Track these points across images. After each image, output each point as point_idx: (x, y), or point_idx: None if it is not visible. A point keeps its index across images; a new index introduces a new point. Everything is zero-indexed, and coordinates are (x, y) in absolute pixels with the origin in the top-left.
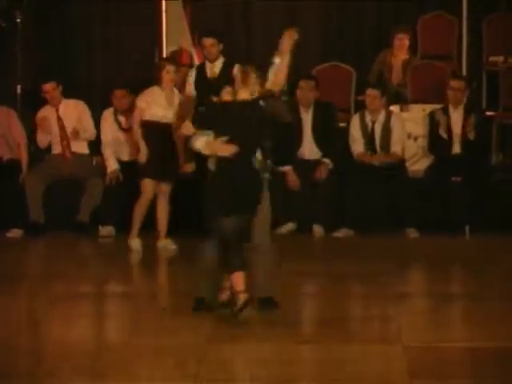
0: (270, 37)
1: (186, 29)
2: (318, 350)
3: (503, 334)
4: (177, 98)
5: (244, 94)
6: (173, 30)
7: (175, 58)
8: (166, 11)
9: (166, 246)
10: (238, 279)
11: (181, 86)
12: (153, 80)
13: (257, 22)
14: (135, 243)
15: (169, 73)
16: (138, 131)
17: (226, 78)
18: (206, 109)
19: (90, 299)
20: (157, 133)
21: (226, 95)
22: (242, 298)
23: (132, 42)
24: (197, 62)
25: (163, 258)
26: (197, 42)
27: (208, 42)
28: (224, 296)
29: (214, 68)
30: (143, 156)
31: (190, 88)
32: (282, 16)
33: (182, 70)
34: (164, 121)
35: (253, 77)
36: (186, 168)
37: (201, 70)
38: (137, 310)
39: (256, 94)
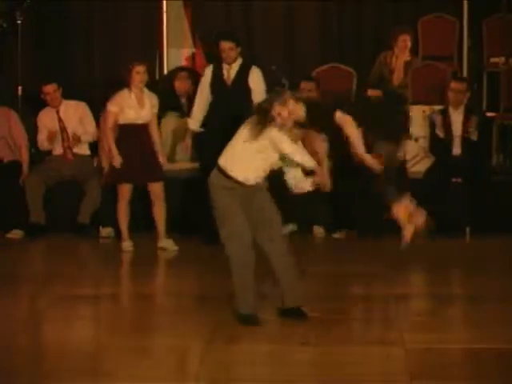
0: (270, 37)
1: (187, 29)
2: (318, 351)
3: (503, 336)
4: (147, 98)
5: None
6: (173, 30)
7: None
8: (167, 11)
9: (167, 246)
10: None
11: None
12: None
13: (257, 22)
14: (124, 245)
15: (138, 73)
16: (110, 136)
17: (242, 80)
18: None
19: (90, 300)
20: (132, 135)
21: None
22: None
23: (132, 42)
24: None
25: (163, 258)
26: (198, 43)
27: (226, 45)
28: None
29: (231, 70)
30: (117, 160)
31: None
32: (282, 17)
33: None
34: (139, 122)
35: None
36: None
37: (217, 71)
38: (137, 311)
39: None
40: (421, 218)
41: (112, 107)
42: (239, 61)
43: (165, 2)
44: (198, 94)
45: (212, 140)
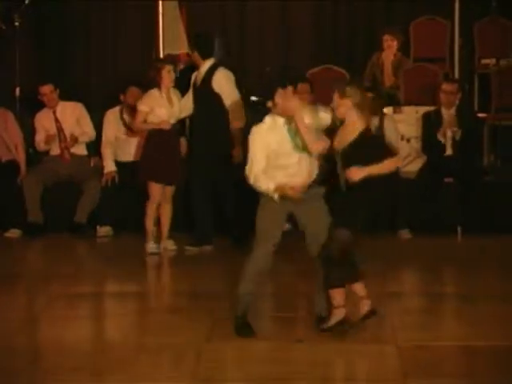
0: (265, 39)
1: (182, 31)
2: (313, 349)
3: (495, 333)
4: (176, 97)
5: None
6: (169, 32)
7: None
8: (163, 14)
9: (167, 246)
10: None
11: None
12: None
13: (251, 24)
14: (148, 247)
15: (169, 73)
16: (142, 135)
17: (206, 84)
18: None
19: (88, 298)
20: (161, 136)
21: None
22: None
23: (129, 44)
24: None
25: (163, 258)
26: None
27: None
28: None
29: (199, 74)
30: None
31: None
32: (276, 19)
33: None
34: (170, 121)
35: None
36: None
37: (195, 74)
38: (135, 309)
39: None
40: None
41: (142, 106)
42: (208, 64)
43: (161, 4)
44: (188, 94)
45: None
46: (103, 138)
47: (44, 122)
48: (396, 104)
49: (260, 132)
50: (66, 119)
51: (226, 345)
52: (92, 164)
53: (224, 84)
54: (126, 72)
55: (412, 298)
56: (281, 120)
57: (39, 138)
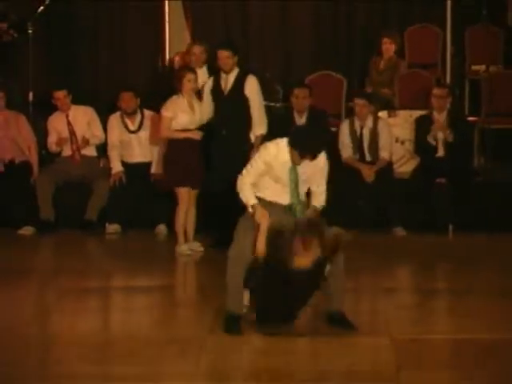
0: (265, 45)
1: (187, 35)
2: (311, 342)
3: (485, 327)
4: (197, 103)
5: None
6: (174, 32)
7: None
8: (169, 15)
9: (195, 248)
10: None
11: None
12: (158, 84)
13: (252, 31)
14: (181, 249)
15: (190, 81)
16: (165, 141)
17: (238, 90)
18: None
19: (97, 292)
20: (183, 141)
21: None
22: None
23: (136, 49)
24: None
25: (168, 255)
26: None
27: (224, 53)
28: None
29: (229, 79)
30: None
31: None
32: (276, 26)
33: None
34: (191, 127)
35: (315, 243)
36: None
37: (216, 80)
38: (141, 303)
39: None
40: None
41: (166, 113)
42: (236, 70)
43: (168, 7)
44: (202, 102)
45: (215, 148)
46: (108, 142)
47: (57, 124)
48: (391, 108)
49: (270, 151)
50: (77, 122)
51: (228, 337)
52: (101, 165)
53: (255, 91)
54: (133, 78)
55: (406, 292)
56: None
57: (51, 139)
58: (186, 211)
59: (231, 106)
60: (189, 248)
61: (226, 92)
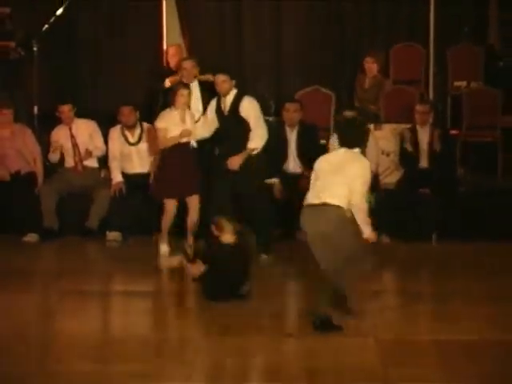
0: (258, 64)
1: (177, 23)
2: (301, 342)
3: (466, 329)
4: (188, 116)
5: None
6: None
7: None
8: (167, 40)
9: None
10: None
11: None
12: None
13: (248, 52)
14: (163, 248)
15: (182, 96)
16: (161, 151)
17: (235, 110)
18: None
19: (97, 295)
20: (175, 152)
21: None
22: None
23: (136, 66)
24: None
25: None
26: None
27: (220, 78)
28: None
29: (227, 101)
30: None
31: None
32: (269, 45)
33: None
34: (182, 139)
35: (227, 225)
36: None
37: (218, 102)
38: (139, 306)
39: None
40: None
41: (160, 124)
42: (233, 92)
43: (165, 22)
44: (205, 117)
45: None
46: (109, 154)
47: (60, 137)
48: (377, 122)
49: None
50: (80, 135)
51: (221, 338)
52: (102, 175)
53: (251, 110)
54: (132, 93)
55: (391, 295)
56: None
57: (51, 155)
58: (189, 214)
59: (229, 127)
60: (168, 251)
61: (225, 113)
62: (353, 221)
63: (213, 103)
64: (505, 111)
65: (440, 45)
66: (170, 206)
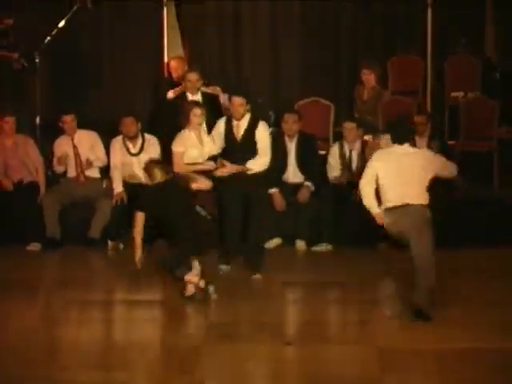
0: (257, 76)
1: (178, 35)
2: (301, 351)
3: (464, 337)
4: (205, 135)
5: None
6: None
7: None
8: (168, 53)
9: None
10: None
11: None
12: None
13: (247, 64)
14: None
15: (196, 116)
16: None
17: (250, 136)
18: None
19: (99, 305)
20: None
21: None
22: None
23: (137, 77)
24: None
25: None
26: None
27: (237, 101)
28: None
29: (240, 125)
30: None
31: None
32: (267, 57)
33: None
34: (199, 160)
35: (156, 167)
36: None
37: (228, 124)
38: (141, 315)
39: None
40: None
41: (177, 148)
42: (247, 116)
43: (165, 43)
44: (211, 137)
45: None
46: (111, 164)
47: (62, 147)
48: (375, 132)
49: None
50: (82, 146)
51: (222, 346)
52: (104, 185)
53: (264, 136)
54: (134, 104)
55: (389, 304)
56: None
57: (57, 166)
58: None
59: (241, 152)
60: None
61: (238, 139)
62: None
63: (220, 125)
64: (501, 122)
65: (438, 56)
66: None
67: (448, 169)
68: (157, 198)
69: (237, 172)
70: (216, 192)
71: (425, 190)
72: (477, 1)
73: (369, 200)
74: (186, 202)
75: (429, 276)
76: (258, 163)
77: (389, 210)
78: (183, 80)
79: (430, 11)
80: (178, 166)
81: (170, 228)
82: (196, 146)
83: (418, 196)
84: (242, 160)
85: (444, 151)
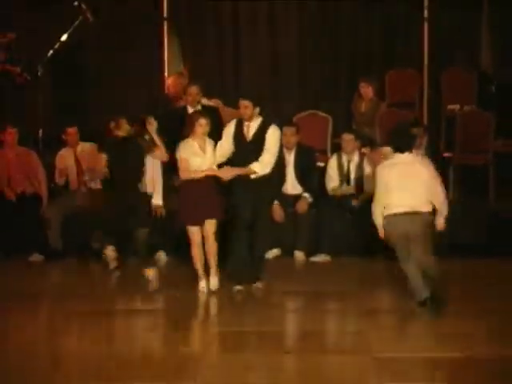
0: (257, 83)
1: (178, 51)
2: (299, 360)
3: (457, 346)
4: (210, 146)
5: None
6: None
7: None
8: (169, 69)
9: (213, 285)
10: None
11: None
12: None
13: (246, 77)
14: (201, 285)
15: (201, 126)
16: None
17: (260, 138)
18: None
19: (101, 315)
20: (196, 181)
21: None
22: None
23: (136, 90)
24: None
25: (168, 280)
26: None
27: (243, 103)
28: None
29: (251, 127)
30: None
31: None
32: (267, 73)
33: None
34: (203, 168)
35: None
36: None
37: (239, 126)
38: (142, 324)
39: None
40: None
41: (183, 154)
42: (259, 119)
43: (166, 61)
44: (220, 142)
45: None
46: None
47: (65, 159)
48: (372, 144)
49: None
50: (84, 158)
51: (223, 355)
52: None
53: (274, 139)
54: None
55: (386, 314)
56: None
57: (59, 178)
58: (205, 244)
59: (250, 153)
60: (205, 285)
61: (248, 139)
62: None
63: (230, 128)
64: (497, 135)
65: (434, 69)
66: (194, 235)
67: (438, 192)
68: (115, 150)
69: (242, 174)
70: (226, 197)
71: (428, 197)
72: (473, 15)
73: (379, 220)
74: (134, 167)
75: (432, 270)
76: (262, 163)
77: (392, 216)
78: (184, 94)
79: (426, 25)
80: (185, 173)
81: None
82: (198, 155)
83: (421, 204)
84: (250, 162)
85: (439, 165)
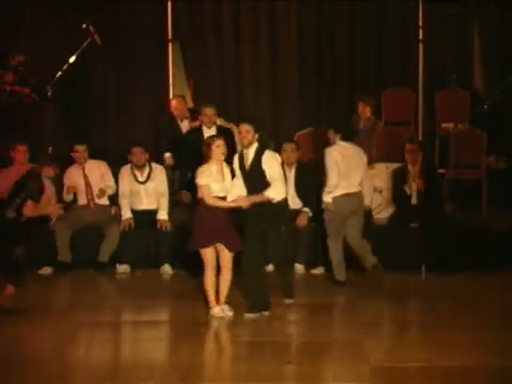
0: (259, 108)
1: (183, 72)
2: (299, 369)
3: (452, 356)
4: (227, 170)
5: None
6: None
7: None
8: (173, 88)
9: (223, 310)
10: None
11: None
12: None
13: (247, 95)
14: (216, 311)
15: (219, 147)
16: (220, 203)
17: (257, 165)
18: None
19: (109, 326)
20: (214, 208)
21: None
22: None
23: (142, 110)
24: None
25: (173, 293)
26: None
27: (244, 127)
28: None
29: (249, 154)
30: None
31: None
32: (267, 94)
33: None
34: (221, 194)
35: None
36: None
37: (241, 155)
38: (148, 335)
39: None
40: None
41: (203, 180)
42: (255, 145)
43: (171, 77)
44: (238, 177)
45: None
46: (119, 191)
47: (73, 176)
48: (370, 161)
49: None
50: (92, 175)
51: (224, 366)
52: (112, 212)
53: (271, 164)
54: (139, 135)
55: (383, 325)
56: None
57: (65, 195)
58: (221, 273)
59: (250, 181)
60: (222, 310)
61: (246, 168)
62: None
63: (236, 159)
64: (489, 151)
65: (429, 89)
66: (209, 256)
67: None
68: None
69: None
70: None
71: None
72: (466, 38)
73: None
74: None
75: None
76: (276, 189)
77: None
78: (200, 115)
79: (421, 47)
80: (208, 198)
81: None
82: (217, 180)
83: (357, 185)
84: (251, 191)
85: (433, 179)
